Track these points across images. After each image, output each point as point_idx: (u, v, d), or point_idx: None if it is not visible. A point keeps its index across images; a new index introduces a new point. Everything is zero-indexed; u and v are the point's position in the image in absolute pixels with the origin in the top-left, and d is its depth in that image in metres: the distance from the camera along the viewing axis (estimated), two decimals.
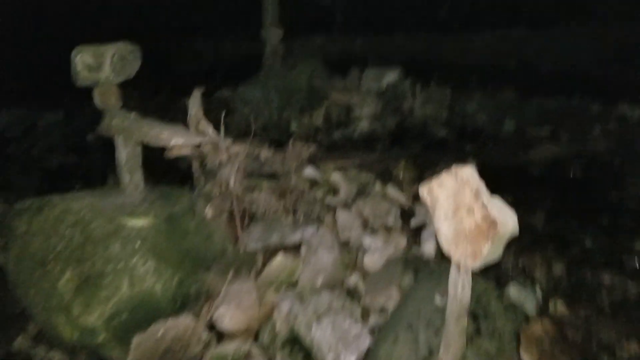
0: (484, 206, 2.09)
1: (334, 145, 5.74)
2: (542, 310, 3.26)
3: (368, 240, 3.86)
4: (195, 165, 4.04)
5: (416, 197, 4.54)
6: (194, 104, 4.12)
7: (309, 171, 4.63)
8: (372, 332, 3.08)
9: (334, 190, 4.50)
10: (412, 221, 4.19)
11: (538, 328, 3.02)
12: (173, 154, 3.90)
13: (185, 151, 3.90)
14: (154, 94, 7.76)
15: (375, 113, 6.57)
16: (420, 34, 8.56)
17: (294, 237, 3.87)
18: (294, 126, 6.49)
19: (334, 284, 3.53)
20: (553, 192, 4.74)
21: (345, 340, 3.01)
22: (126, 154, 3.53)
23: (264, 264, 3.77)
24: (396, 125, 6.36)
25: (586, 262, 3.76)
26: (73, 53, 3.35)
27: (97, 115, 3.63)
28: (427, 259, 3.75)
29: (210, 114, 4.12)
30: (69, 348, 3.16)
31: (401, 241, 3.90)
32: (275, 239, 3.87)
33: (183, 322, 3.21)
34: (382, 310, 3.26)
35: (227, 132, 3.96)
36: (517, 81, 7.29)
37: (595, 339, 3.01)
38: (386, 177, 4.85)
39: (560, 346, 2.94)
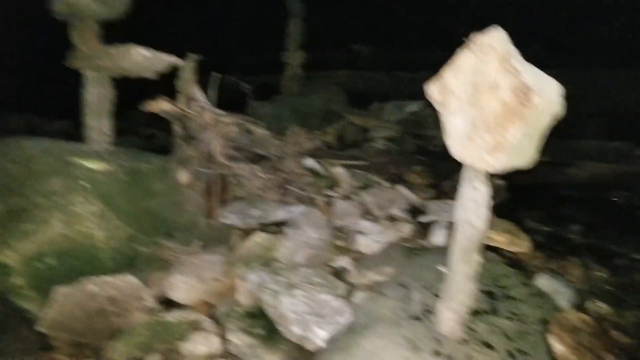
0: (514, 72, 1.51)
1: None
2: (578, 307, 2.53)
3: (365, 225, 3.24)
4: (177, 128, 3.56)
5: (428, 199, 3.93)
6: (187, 68, 3.72)
7: (310, 162, 4.09)
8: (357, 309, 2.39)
9: (335, 183, 3.93)
10: (422, 217, 3.54)
11: (574, 318, 2.31)
12: (153, 108, 3.45)
13: (167, 107, 3.45)
14: None
15: (393, 136, 6.07)
16: None
17: (278, 215, 3.28)
18: None
19: (317, 264, 2.89)
20: (590, 208, 4.06)
21: (318, 313, 2.34)
22: (94, 93, 3.08)
23: (241, 242, 3.17)
24: (416, 147, 5.82)
25: (633, 270, 3.03)
26: None
27: None
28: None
29: None
30: None
31: (404, 229, 3.25)
32: (256, 214, 3.29)
33: (125, 282, 2.60)
34: (371, 288, 2.58)
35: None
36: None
37: None
38: (397, 180, 4.25)
39: (602, 342, 2.21)
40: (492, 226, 2.15)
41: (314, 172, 4.02)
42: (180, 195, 3.27)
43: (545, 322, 2.22)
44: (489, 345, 1.96)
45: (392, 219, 3.44)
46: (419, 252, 3.00)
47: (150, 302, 2.60)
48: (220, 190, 3.39)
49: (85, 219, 2.58)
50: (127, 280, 2.61)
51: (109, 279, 2.55)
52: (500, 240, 2.95)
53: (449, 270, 1.88)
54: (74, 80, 3.22)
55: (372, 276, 2.65)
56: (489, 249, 2.76)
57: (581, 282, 2.86)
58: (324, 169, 4.11)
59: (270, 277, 2.60)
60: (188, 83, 3.66)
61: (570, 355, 2.10)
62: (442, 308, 1.89)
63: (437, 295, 2.15)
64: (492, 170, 1.65)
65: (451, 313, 1.85)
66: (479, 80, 1.64)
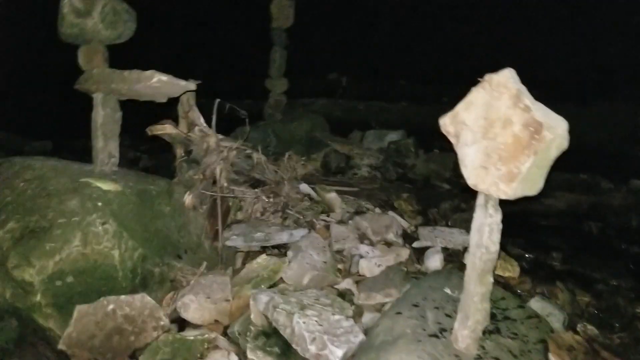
0: (526, 109, 1.71)
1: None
2: (570, 329, 2.72)
3: (365, 248, 3.38)
4: (179, 152, 3.65)
5: (418, 226, 4.11)
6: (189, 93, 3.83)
7: (304, 187, 4.23)
8: (365, 331, 2.51)
9: (329, 208, 4.06)
10: (416, 243, 3.70)
11: (570, 338, 2.49)
12: (157, 131, 3.54)
13: (171, 131, 3.55)
14: None
15: (375, 164, 6.27)
16: (425, 105, 8.51)
17: (281, 237, 3.39)
18: None
19: (323, 285, 3.00)
20: (569, 236, 4.32)
21: (332, 332, 2.44)
22: (104, 115, 3.15)
23: (244, 264, 3.27)
24: (398, 176, 6.02)
25: (614, 295, 3.26)
26: None
27: None
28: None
29: None
30: None
31: (402, 253, 3.40)
32: (259, 237, 3.38)
33: (141, 302, 2.64)
34: (378, 310, 2.71)
35: None
36: None
37: None
38: (386, 207, 4.42)
39: None
40: None
41: (308, 198, 4.15)
42: (185, 217, 3.34)
43: (543, 342, 2.39)
44: None
45: (388, 244, 3.59)
46: (418, 275, 3.16)
47: (166, 321, 2.65)
48: (223, 213, 3.47)
49: (103, 239, 2.62)
50: (144, 300, 2.65)
51: (127, 298, 2.60)
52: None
53: (463, 292, 2.03)
54: (56, 102, 3.28)
55: (378, 298, 2.78)
56: None
57: (568, 305, 3.06)
58: (317, 194, 4.25)
59: (282, 298, 2.69)
60: (188, 106, 3.78)
61: None
62: (459, 326, 2.03)
63: (448, 315, 2.30)
64: (505, 197, 1.82)
65: (468, 331, 2.00)
66: (492, 115, 1.82)
